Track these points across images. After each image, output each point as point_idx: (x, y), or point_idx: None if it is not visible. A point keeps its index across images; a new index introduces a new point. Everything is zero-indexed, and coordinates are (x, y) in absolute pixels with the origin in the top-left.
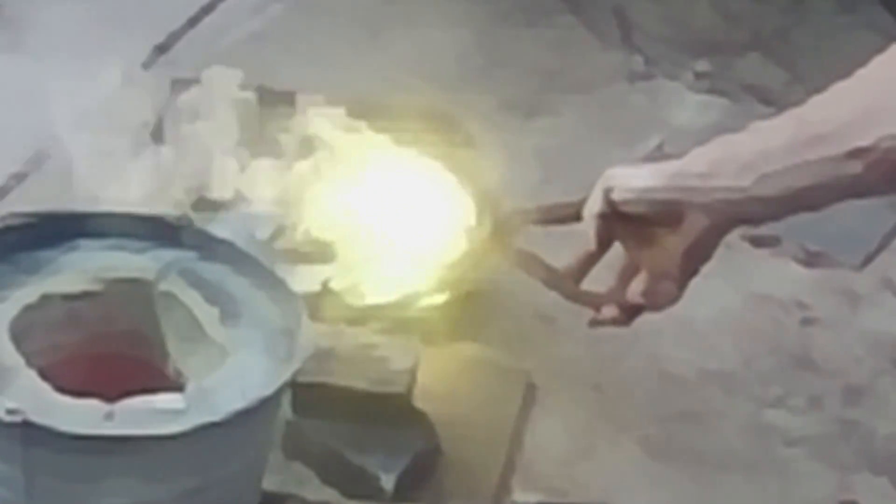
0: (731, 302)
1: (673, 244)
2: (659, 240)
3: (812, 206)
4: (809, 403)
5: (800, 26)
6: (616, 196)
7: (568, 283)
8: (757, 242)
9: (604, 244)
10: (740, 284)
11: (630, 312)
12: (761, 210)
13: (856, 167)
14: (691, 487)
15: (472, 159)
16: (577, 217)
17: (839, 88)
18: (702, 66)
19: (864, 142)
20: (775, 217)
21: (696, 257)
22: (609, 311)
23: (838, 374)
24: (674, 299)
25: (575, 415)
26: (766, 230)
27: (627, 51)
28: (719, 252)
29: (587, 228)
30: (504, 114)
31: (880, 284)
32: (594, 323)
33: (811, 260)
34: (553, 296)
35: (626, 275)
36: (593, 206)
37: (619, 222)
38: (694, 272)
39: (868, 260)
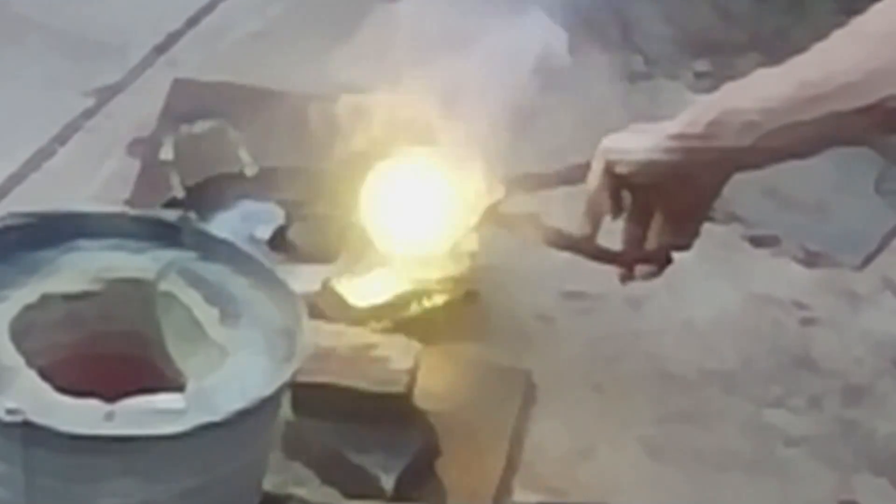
0: (731, 302)
1: (683, 192)
2: (669, 190)
3: (811, 154)
4: (809, 403)
5: (800, 26)
6: (620, 170)
7: (587, 243)
8: (757, 242)
9: (618, 207)
10: (740, 284)
11: (661, 263)
12: (763, 160)
13: (861, 122)
14: (691, 487)
15: (471, 159)
16: (577, 180)
17: (838, 43)
18: (702, 66)
19: (870, 100)
20: (776, 163)
21: (707, 200)
22: (642, 269)
23: (838, 374)
24: (696, 236)
25: (575, 415)
26: (766, 230)
27: (627, 51)
28: (719, 252)
29: (596, 200)
30: (504, 114)
31: (880, 284)
32: (626, 279)
33: (811, 260)
34: (553, 296)
35: (640, 223)
36: (596, 180)
37: (626, 184)
38: (708, 209)
39: (868, 260)
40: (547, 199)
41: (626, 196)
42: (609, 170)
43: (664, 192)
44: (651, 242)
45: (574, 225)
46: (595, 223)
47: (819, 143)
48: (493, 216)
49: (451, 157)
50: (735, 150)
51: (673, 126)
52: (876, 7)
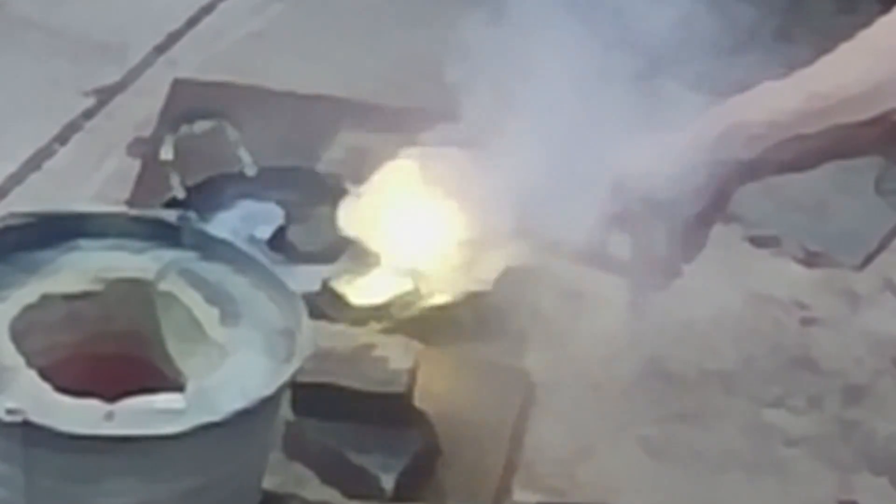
0: (731, 302)
1: (690, 203)
2: (677, 199)
3: (816, 166)
4: (809, 403)
5: (799, 26)
6: (628, 184)
7: (594, 253)
8: (757, 242)
9: (626, 220)
10: (740, 284)
11: (669, 273)
12: (769, 172)
13: (868, 135)
14: (691, 487)
15: (470, 160)
16: None
17: (844, 56)
18: (702, 66)
19: (877, 112)
20: (782, 174)
21: (713, 213)
22: (651, 280)
23: (838, 374)
24: (703, 246)
25: (575, 415)
26: (766, 230)
27: (627, 51)
28: (719, 252)
29: (604, 213)
30: (504, 114)
31: (880, 284)
32: (637, 290)
33: (811, 260)
34: (553, 296)
35: (648, 234)
36: (611, 204)
37: (634, 197)
38: (714, 222)
39: (868, 260)
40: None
41: (634, 208)
42: (616, 184)
43: (671, 204)
44: (660, 252)
45: (583, 237)
46: (602, 229)
47: (825, 156)
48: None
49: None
50: (742, 162)
51: (679, 140)
52: (882, 20)
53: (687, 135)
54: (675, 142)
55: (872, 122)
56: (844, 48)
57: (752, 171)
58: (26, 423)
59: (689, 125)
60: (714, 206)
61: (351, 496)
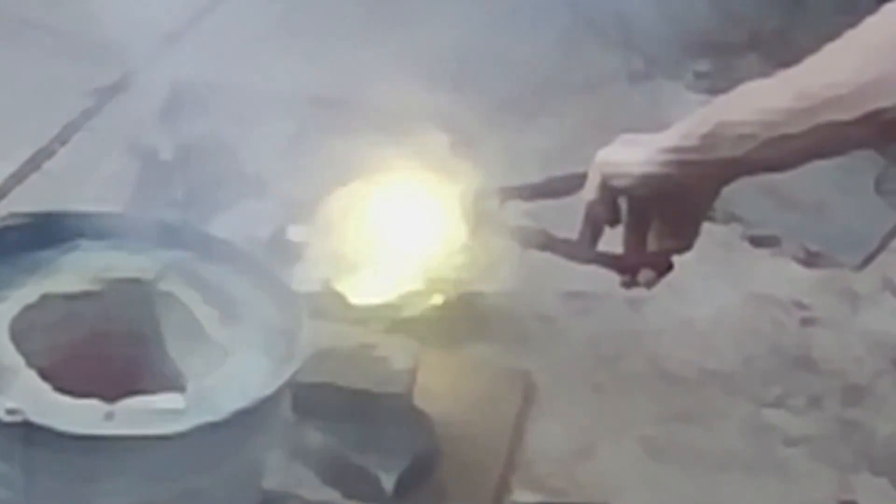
0: (731, 302)
1: (679, 201)
2: (665, 199)
3: (803, 164)
4: (809, 403)
5: (799, 26)
6: (616, 183)
7: (586, 249)
8: (757, 242)
9: (616, 217)
10: (740, 284)
11: (662, 267)
12: (757, 170)
13: (855, 133)
14: (691, 487)
15: (468, 160)
16: (572, 190)
17: (832, 55)
18: (702, 66)
19: (864, 111)
20: (770, 172)
21: (703, 206)
22: (644, 276)
23: (838, 374)
24: (695, 237)
25: (575, 415)
26: (766, 230)
27: (627, 51)
28: (719, 252)
29: (594, 210)
30: (504, 114)
31: (880, 284)
32: (628, 285)
33: (811, 260)
34: (553, 296)
35: (639, 229)
36: (593, 192)
37: (623, 195)
38: (705, 214)
39: (868, 260)
40: (547, 206)
41: (624, 204)
42: (605, 182)
43: (660, 201)
44: (651, 246)
45: (574, 233)
46: (594, 232)
47: (812, 154)
48: (493, 224)
49: (446, 162)
50: (729, 161)
51: (667, 139)
52: (870, 20)
53: (674, 133)
54: (662, 140)
55: (859, 121)
56: (831, 47)
57: (738, 169)
58: (26, 423)
59: (676, 123)
60: (701, 204)
61: (351, 496)
